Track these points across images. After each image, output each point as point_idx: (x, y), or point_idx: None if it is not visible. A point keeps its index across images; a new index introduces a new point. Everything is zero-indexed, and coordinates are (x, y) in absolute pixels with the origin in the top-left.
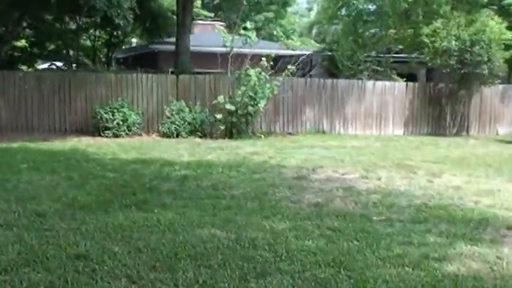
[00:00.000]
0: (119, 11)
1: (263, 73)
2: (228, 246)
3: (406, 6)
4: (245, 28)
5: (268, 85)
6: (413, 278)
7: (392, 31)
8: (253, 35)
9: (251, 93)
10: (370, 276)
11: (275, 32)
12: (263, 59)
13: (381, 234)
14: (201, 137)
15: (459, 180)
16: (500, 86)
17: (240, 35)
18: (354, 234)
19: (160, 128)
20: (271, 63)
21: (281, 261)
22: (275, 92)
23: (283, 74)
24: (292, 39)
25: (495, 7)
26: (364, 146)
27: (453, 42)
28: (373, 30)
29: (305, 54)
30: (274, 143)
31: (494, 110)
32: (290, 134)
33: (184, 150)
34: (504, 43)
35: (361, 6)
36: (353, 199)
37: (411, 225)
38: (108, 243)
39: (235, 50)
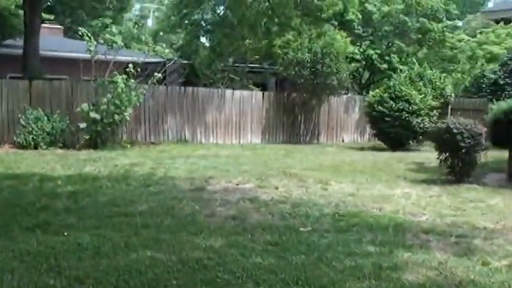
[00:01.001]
0: None
1: (131, 80)
2: (178, 270)
3: (253, 17)
4: (110, 33)
5: (134, 93)
6: None
7: (248, 41)
8: (119, 39)
9: (117, 101)
10: None
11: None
12: (130, 65)
13: (319, 245)
14: (62, 148)
15: (348, 187)
16: (344, 97)
17: (104, 40)
18: (296, 247)
19: (15, 138)
20: (138, 70)
21: (246, 282)
22: (140, 100)
23: (149, 81)
24: (162, 46)
25: (336, 22)
26: (236, 155)
27: (306, 54)
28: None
29: (172, 61)
30: (144, 153)
31: (340, 119)
32: (153, 143)
33: (55, 163)
34: (347, 56)
35: (205, 16)
36: (266, 210)
37: (340, 235)
38: (36, 275)
39: (93, 56)
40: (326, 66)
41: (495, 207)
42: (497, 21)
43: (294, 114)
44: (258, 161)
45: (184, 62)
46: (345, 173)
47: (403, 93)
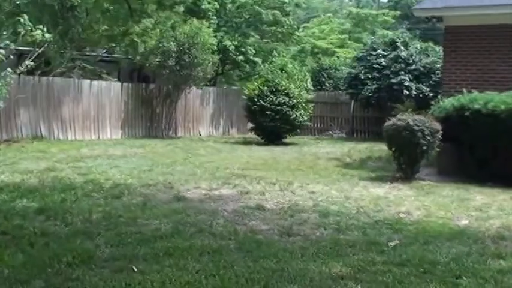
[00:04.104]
0: None
1: None
2: None
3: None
4: None
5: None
6: None
7: (103, 28)
8: None
9: None
10: None
11: None
12: (1, 51)
13: (441, 262)
14: None
15: (325, 189)
16: (200, 89)
17: None
18: (416, 268)
19: None
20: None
21: None
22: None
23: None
24: (41, 30)
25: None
26: (133, 154)
27: (171, 43)
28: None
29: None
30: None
31: (196, 112)
32: (7, 141)
33: None
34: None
35: None
36: (300, 221)
37: (428, 246)
38: None
39: None
40: (192, 56)
41: (497, 205)
42: None
43: (153, 106)
44: (179, 160)
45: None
46: (290, 173)
47: (283, 87)
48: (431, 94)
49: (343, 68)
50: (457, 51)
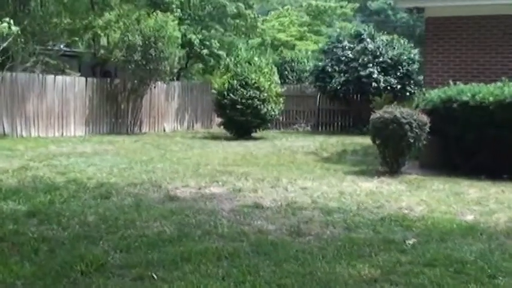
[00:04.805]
0: None
1: None
2: None
3: None
4: None
5: None
6: None
7: (66, 21)
8: None
9: None
10: None
11: None
12: None
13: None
14: None
15: (315, 185)
16: (165, 84)
17: None
18: (446, 267)
19: None
20: None
21: None
22: None
23: None
24: (8, 23)
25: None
26: (104, 151)
27: (137, 37)
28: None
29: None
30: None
31: (161, 107)
32: None
33: None
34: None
35: None
36: (306, 220)
37: (447, 244)
38: None
39: None
40: (159, 50)
41: (493, 198)
42: None
43: (118, 102)
44: (155, 157)
45: None
46: (272, 168)
47: (253, 81)
48: (398, 86)
49: (305, 60)
50: (439, 43)
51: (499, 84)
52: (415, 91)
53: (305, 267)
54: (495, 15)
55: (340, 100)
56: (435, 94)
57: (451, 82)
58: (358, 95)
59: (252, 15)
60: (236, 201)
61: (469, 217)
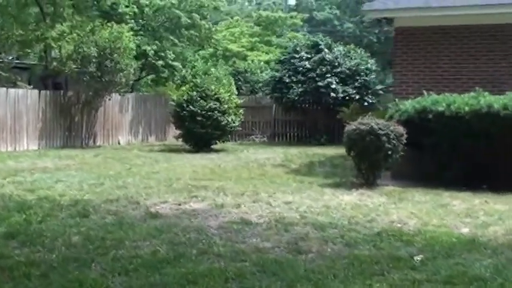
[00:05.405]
0: None
1: None
2: None
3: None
4: None
5: None
6: None
7: (17, 32)
8: None
9: None
10: None
11: None
12: None
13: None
14: None
15: (296, 199)
16: (119, 96)
17: None
18: (466, 286)
19: None
20: None
21: None
22: None
23: None
24: None
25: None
26: (81, 165)
27: (92, 48)
28: None
29: None
30: None
31: (115, 119)
32: None
33: None
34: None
35: None
36: (300, 235)
37: (455, 260)
38: None
39: None
40: (114, 62)
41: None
42: None
43: (71, 115)
44: (122, 172)
45: None
46: (247, 182)
47: (213, 92)
48: (357, 96)
49: (258, 71)
50: (409, 53)
51: (472, 94)
52: (374, 101)
53: None
54: (464, 25)
55: (296, 110)
56: (409, 105)
57: (425, 92)
58: (315, 106)
59: (207, 26)
60: (221, 217)
61: (464, 230)
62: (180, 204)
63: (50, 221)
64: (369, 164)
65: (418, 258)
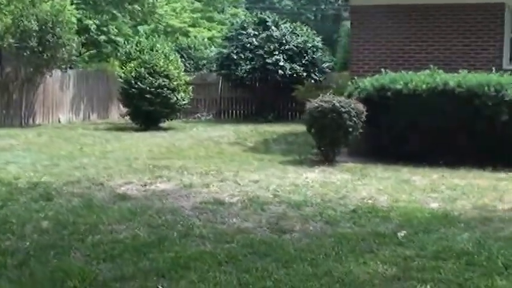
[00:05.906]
0: None
1: None
2: None
3: None
4: None
5: None
6: None
7: None
8: None
9: None
10: None
11: None
12: None
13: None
14: None
15: (261, 177)
16: (60, 72)
17: None
18: (457, 260)
19: None
20: None
21: None
22: None
23: None
24: None
25: None
26: (28, 145)
27: (33, 22)
28: None
29: None
30: None
31: (56, 97)
32: None
33: None
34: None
35: None
36: (277, 214)
37: (436, 234)
38: None
39: None
40: (57, 37)
41: (440, 184)
42: None
43: (9, 92)
44: (74, 152)
45: None
46: (207, 161)
47: (162, 69)
48: (304, 74)
49: (202, 47)
50: (365, 31)
51: (428, 72)
52: (320, 79)
53: (317, 267)
54: (420, 4)
55: (243, 88)
56: (368, 82)
57: (383, 70)
58: (262, 83)
59: (150, 0)
60: (193, 197)
61: (434, 205)
62: (146, 185)
63: (12, 205)
64: (329, 141)
65: (401, 234)
